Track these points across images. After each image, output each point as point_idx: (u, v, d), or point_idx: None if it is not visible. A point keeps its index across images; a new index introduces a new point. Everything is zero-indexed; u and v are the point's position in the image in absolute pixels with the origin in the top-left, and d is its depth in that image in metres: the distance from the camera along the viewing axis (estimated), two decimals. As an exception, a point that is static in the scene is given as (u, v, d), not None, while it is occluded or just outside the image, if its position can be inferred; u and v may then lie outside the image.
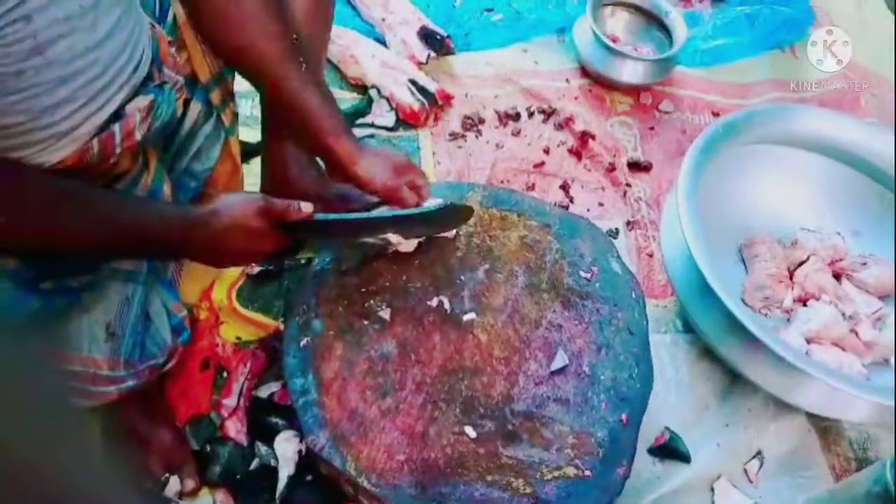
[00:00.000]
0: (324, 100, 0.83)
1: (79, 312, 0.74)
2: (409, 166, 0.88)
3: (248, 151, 1.17)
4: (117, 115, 0.70)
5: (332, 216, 0.86)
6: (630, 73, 1.45)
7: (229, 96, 0.88)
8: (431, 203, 0.89)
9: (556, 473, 0.82)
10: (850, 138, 1.20)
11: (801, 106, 1.44)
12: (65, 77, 0.63)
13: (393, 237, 0.89)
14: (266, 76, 0.81)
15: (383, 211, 0.89)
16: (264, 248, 0.80)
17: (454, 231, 0.96)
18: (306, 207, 0.80)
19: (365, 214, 0.89)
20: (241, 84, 1.27)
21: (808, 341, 1.08)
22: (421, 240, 0.94)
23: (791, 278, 1.16)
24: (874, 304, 1.14)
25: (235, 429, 0.98)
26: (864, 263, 1.18)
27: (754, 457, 1.00)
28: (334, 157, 0.84)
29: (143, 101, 0.72)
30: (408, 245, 0.93)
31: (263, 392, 1.01)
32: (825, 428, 1.05)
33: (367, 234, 0.89)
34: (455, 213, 0.90)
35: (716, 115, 1.46)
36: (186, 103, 0.85)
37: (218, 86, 0.86)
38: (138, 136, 0.72)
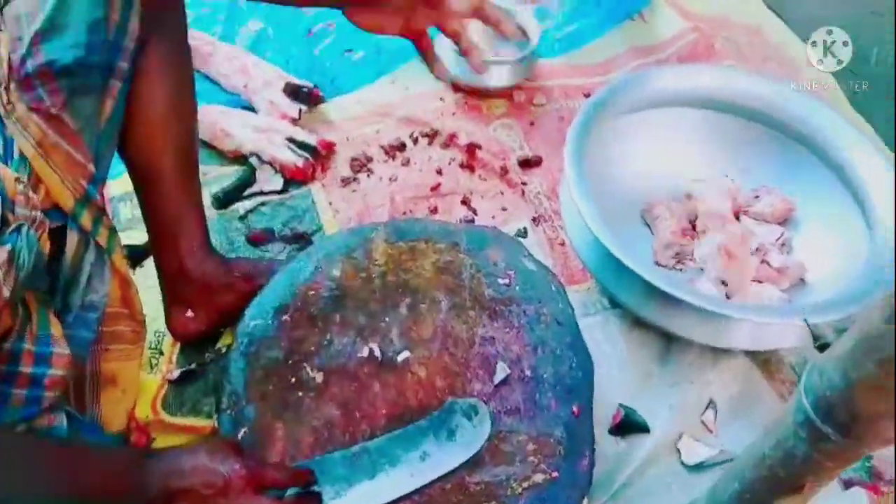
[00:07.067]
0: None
1: None
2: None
3: (137, 255, 1.13)
4: None
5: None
6: (497, 77, 1.48)
7: (100, 214, 0.83)
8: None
9: (525, 484, 0.82)
10: (712, 85, 1.25)
11: (657, 67, 1.51)
12: None
13: None
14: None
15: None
16: None
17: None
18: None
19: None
20: (117, 187, 1.24)
21: (725, 283, 1.12)
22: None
23: (694, 229, 1.21)
24: (776, 231, 1.19)
25: (198, 539, 0.94)
26: (757, 196, 1.23)
27: (707, 407, 1.03)
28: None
29: (0, 254, 0.66)
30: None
31: (217, 493, 0.97)
32: (765, 360, 1.09)
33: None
34: None
35: (587, 95, 1.51)
36: (61, 234, 0.80)
37: (86, 208, 0.79)
38: (6, 293, 0.66)
